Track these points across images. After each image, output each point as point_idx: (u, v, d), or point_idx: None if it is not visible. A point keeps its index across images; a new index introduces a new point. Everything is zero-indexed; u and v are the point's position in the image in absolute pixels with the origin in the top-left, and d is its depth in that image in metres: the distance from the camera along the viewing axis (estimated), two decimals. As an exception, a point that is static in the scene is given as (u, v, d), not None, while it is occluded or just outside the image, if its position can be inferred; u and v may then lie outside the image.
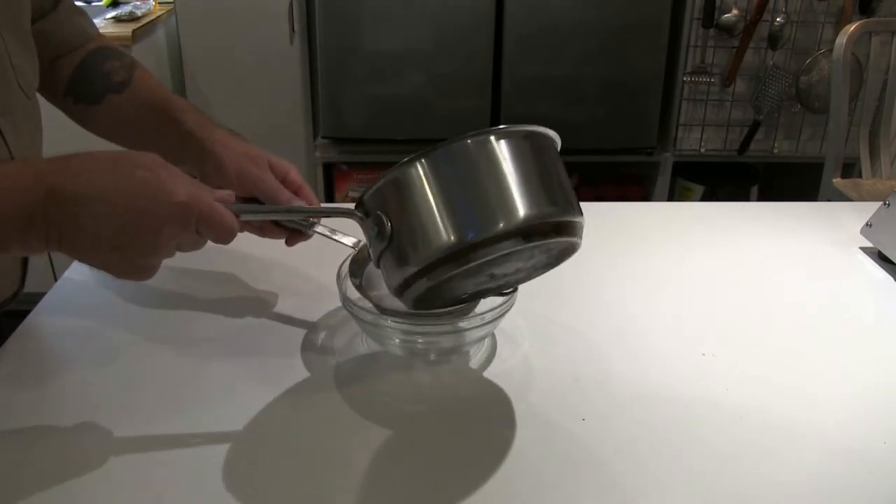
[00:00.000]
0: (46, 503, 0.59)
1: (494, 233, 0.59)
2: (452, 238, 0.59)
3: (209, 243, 0.64)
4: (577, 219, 0.63)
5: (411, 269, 0.62)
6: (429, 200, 0.61)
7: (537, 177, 0.62)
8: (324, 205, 0.71)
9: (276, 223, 0.80)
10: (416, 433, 0.68)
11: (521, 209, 0.60)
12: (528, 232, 0.60)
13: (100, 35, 0.93)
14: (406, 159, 0.62)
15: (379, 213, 0.63)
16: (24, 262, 0.86)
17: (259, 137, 0.86)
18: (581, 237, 0.64)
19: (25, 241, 0.59)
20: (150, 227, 0.59)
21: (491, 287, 0.70)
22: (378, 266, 0.66)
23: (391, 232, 0.62)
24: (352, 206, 0.68)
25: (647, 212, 1.23)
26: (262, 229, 0.80)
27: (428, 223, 0.61)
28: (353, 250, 0.79)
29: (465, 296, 0.70)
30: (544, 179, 0.63)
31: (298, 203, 0.79)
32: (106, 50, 0.92)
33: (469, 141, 0.61)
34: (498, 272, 0.66)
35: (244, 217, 0.66)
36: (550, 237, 0.61)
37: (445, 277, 0.61)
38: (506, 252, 0.60)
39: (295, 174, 0.82)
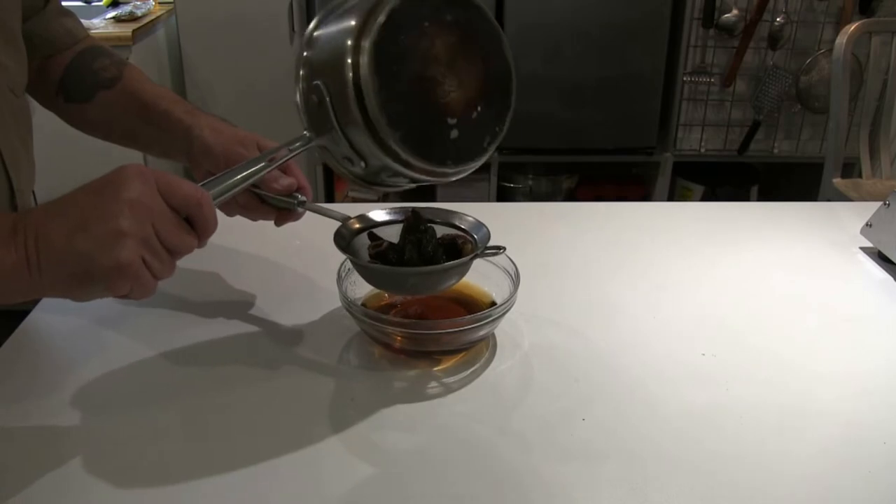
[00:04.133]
0: (42, 501, 0.59)
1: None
2: (352, 23, 0.63)
3: (209, 244, 0.64)
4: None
5: (348, 73, 0.63)
6: (327, 39, 0.66)
7: None
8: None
9: (264, 201, 0.79)
10: (414, 433, 0.68)
11: None
12: None
13: (89, 36, 0.94)
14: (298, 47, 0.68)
15: (304, 88, 0.68)
16: None
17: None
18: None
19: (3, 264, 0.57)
20: (107, 183, 0.58)
21: (472, 119, 0.70)
22: (347, 138, 0.66)
23: (324, 84, 0.65)
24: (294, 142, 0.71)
25: (647, 212, 1.23)
26: (248, 209, 0.78)
27: (333, 42, 0.65)
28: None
29: (455, 133, 0.68)
30: None
31: (288, 181, 0.78)
32: (95, 49, 0.92)
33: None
34: (435, 66, 0.66)
35: (215, 189, 0.64)
36: None
37: (377, 56, 0.62)
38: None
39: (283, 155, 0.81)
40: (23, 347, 0.78)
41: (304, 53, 0.70)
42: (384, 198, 2.77)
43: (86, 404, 0.70)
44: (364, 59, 0.62)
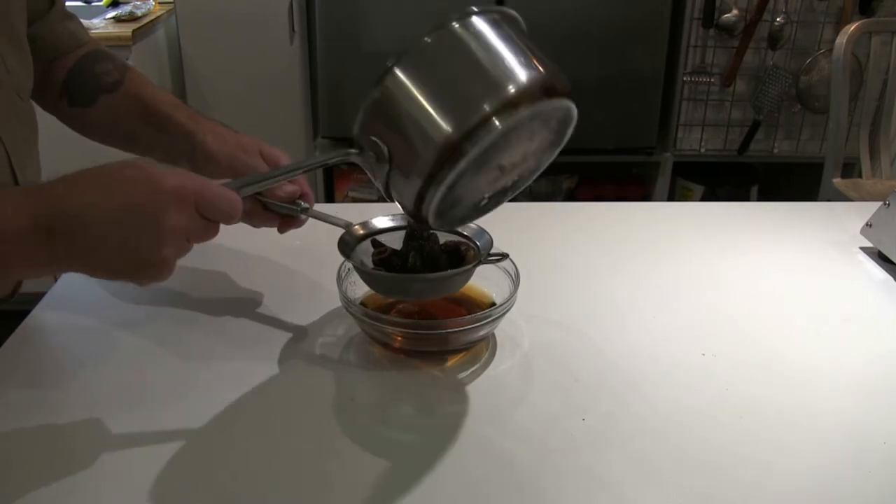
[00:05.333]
0: (45, 501, 0.59)
1: (482, 114, 0.58)
2: (444, 132, 0.58)
3: (211, 243, 0.64)
4: (561, 77, 0.62)
5: (417, 181, 0.61)
6: (411, 106, 0.60)
7: (507, 49, 0.61)
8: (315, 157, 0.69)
9: (267, 208, 0.79)
10: (414, 433, 0.68)
11: (502, 82, 0.59)
12: (515, 101, 0.59)
13: (92, 40, 0.94)
14: (375, 79, 0.62)
15: (372, 138, 0.62)
16: None
17: (259, 137, 0.86)
18: (572, 100, 0.63)
19: (32, 261, 0.59)
20: (149, 215, 0.58)
21: (507, 186, 0.69)
22: (390, 196, 0.65)
23: (389, 152, 0.61)
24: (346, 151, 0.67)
25: (647, 212, 1.23)
26: (251, 216, 0.78)
27: (418, 128, 0.59)
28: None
29: (486, 201, 0.69)
30: (515, 49, 0.61)
31: (292, 188, 0.78)
32: (98, 53, 0.92)
33: (428, 39, 0.61)
34: (506, 163, 0.64)
35: (245, 191, 0.65)
36: (540, 102, 0.60)
37: (453, 178, 0.60)
38: (500, 131, 0.59)
39: (286, 161, 0.82)
40: (22, 347, 0.78)
41: (384, 101, 0.62)
42: (383, 197, 2.77)
43: (87, 403, 0.70)
44: (441, 187, 0.61)
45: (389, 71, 0.61)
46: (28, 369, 0.75)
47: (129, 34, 2.29)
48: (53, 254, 0.58)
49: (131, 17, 2.42)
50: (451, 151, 0.59)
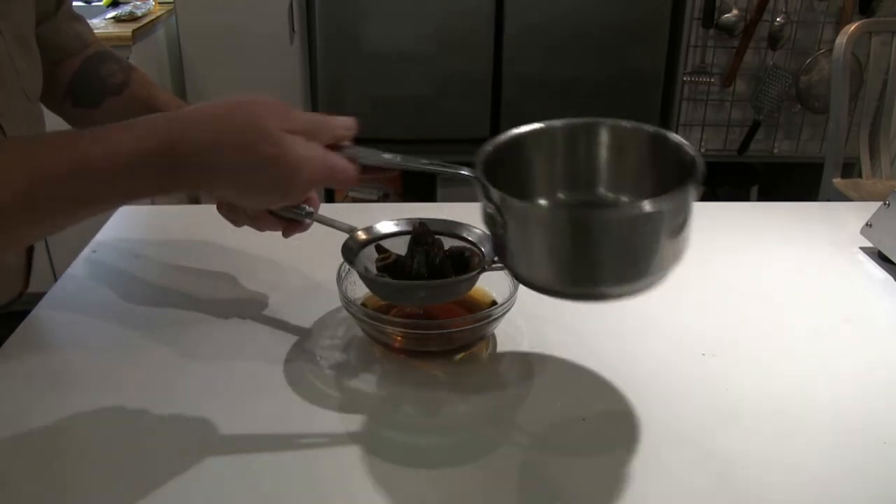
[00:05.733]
0: (45, 502, 0.59)
1: (595, 291, 0.62)
2: (567, 283, 0.61)
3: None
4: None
5: (514, 272, 0.64)
6: (554, 244, 0.60)
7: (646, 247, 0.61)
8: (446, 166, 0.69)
9: (272, 212, 0.79)
10: (414, 433, 0.68)
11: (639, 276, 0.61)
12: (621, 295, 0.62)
13: (97, 41, 0.94)
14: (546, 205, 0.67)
15: (498, 208, 0.61)
16: (29, 262, 0.86)
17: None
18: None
19: (157, 184, 0.61)
20: (287, 173, 0.61)
21: None
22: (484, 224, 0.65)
23: (504, 230, 0.61)
24: (465, 170, 0.67)
25: (647, 212, 1.23)
26: (256, 220, 0.78)
27: (543, 258, 0.61)
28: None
29: None
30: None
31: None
32: (103, 54, 0.92)
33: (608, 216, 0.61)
34: None
35: (362, 160, 0.67)
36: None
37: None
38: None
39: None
40: (23, 347, 0.78)
41: (500, 217, 0.61)
42: (384, 197, 2.78)
43: (87, 404, 0.70)
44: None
45: (556, 210, 0.66)
46: (28, 369, 0.75)
47: (129, 34, 2.29)
48: (177, 179, 0.60)
49: (131, 17, 2.42)
50: (557, 292, 0.61)
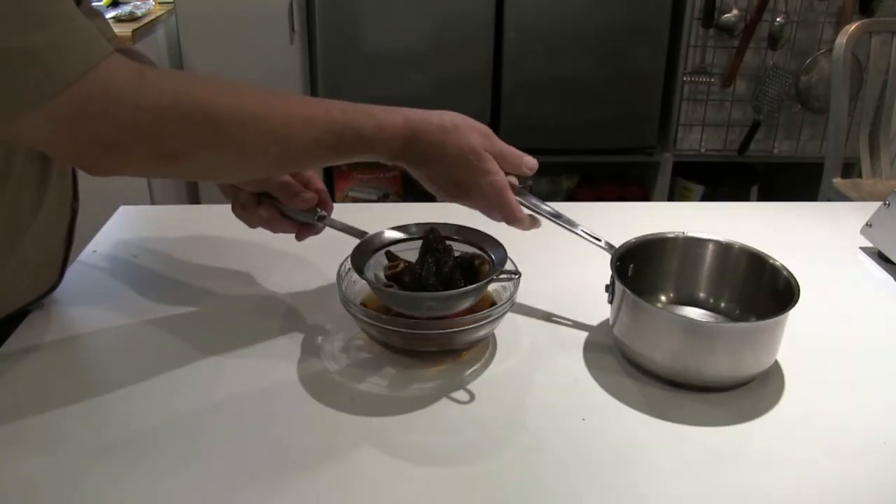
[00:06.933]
0: (47, 501, 0.59)
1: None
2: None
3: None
4: None
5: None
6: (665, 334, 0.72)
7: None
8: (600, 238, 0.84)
9: (285, 215, 0.80)
10: (413, 433, 0.68)
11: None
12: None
13: (116, 37, 0.93)
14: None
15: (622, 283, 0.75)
16: (66, 255, 0.86)
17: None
18: None
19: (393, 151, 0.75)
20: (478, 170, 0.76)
21: None
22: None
23: (620, 297, 0.75)
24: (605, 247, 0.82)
25: (647, 212, 1.23)
26: (271, 223, 0.80)
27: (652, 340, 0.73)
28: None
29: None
30: None
31: (310, 195, 0.79)
32: (124, 51, 0.92)
33: None
34: None
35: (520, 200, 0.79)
36: None
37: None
38: None
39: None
40: (24, 347, 0.78)
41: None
42: (384, 197, 2.78)
43: (88, 403, 0.70)
44: None
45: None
46: (28, 369, 0.75)
47: (129, 34, 2.29)
48: (405, 150, 0.75)
49: (131, 17, 2.43)
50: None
